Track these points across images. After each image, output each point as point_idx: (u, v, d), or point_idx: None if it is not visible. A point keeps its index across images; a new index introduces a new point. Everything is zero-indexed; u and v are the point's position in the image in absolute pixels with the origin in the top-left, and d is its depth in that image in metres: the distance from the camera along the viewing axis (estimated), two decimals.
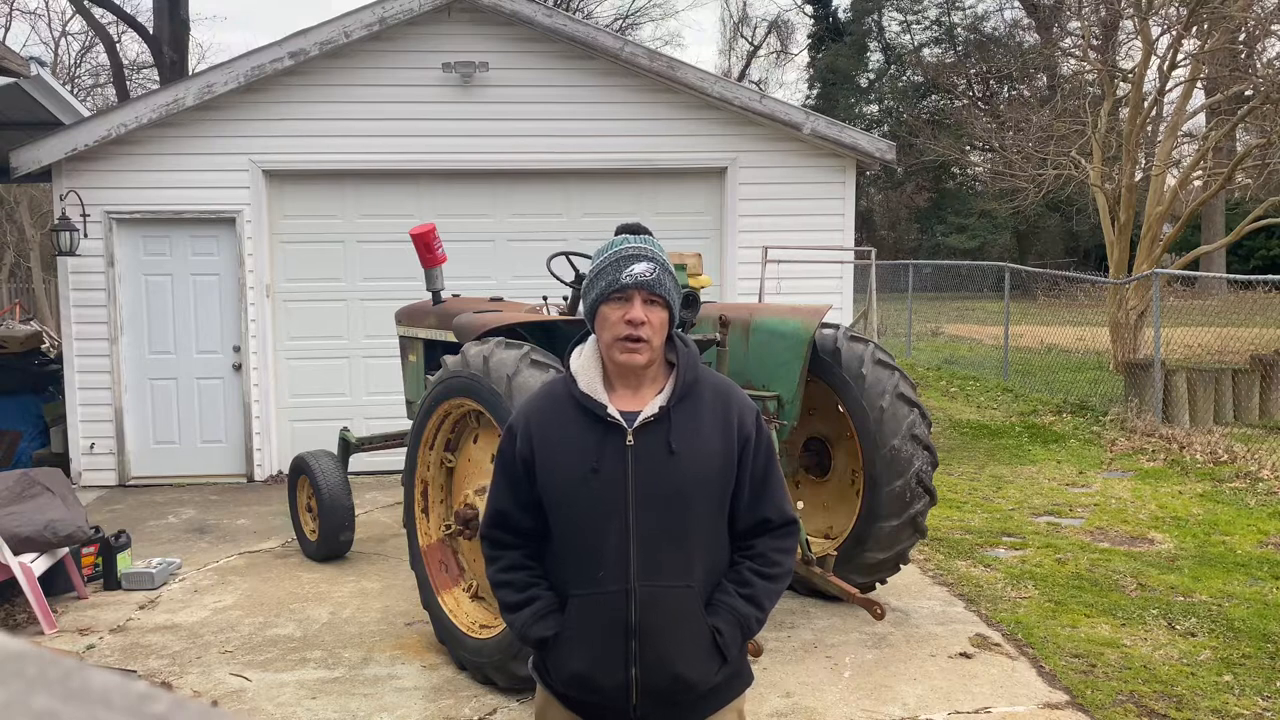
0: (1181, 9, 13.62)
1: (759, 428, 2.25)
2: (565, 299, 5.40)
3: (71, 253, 8.10)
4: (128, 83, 22.63)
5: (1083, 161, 15.66)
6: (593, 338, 2.26)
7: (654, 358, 2.20)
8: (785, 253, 8.51)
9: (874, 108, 40.26)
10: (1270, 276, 10.76)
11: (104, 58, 23.99)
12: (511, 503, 2.26)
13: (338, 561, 6.28)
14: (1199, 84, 15.88)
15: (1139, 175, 15.51)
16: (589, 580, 2.16)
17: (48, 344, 11.71)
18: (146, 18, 20.58)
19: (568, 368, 2.28)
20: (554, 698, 2.28)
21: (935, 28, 38.82)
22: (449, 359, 4.44)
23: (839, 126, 8.88)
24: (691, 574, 2.17)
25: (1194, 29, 13.87)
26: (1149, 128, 16.10)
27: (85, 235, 8.21)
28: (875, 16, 40.33)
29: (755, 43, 43.54)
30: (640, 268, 2.16)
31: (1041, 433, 10.49)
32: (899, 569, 5.29)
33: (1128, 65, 16.10)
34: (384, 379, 8.37)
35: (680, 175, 8.89)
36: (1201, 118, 18.20)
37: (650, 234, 2.35)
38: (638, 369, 2.19)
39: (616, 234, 2.34)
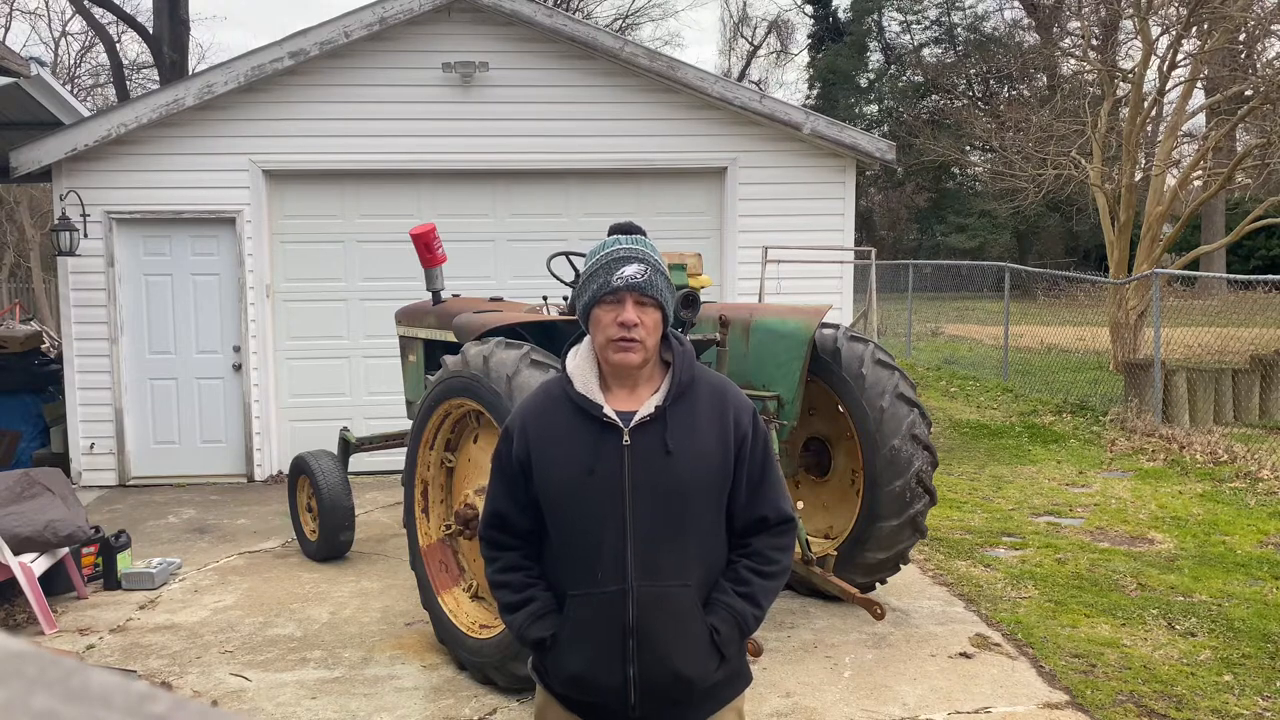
0: (1181, 9, 13.62)
1: (755, 426, 2.25)
2: (565, 299, 5.40)
3: (71, 253, 8.10)
4: (128, 83, 22.64)
5: (1083, 161, 15.65)
6: (588, 338, 2.26)
7: (648, 358, 2.20)
8: (785, 253, 8.51)
9: (874, 108, 40.26)
10: (1270, 276, 10.76)
11: (104, 58, 24.00)
12: (509, 503, 2.26)
13: (338, 561, 6.28)
14: (1199, 84, 15.88)
15: (1139, 175, 15.51)
16: (587, 580, 2.15)
17: (48, 344, 11.70)
18: (146, 18, 20.62)
19: (564, 368, 2.28)
20: (554, 698, 2.28)
21: (935, 28, 38.87)
22: (449, 359, 4.44)
23: (839, 126, 8.88)
24: (689, 573, 2.17)
25: (1194, 29, 13.88)
26: (1149, 128, 16.10)
27: (85, 235, 8.21)
28: (875, 16, 40.33)
29: (755, 43, 43.57)
30: (631, 270, 2.15)
31: (1041, 433, 10.48)
32: (899, 569, 5.30)
33: (1128, 65, 16.10)
34: (384, 379, 8.38)
35: (680, 175, 8.89)
36: (1201, 118, 18.21)
37: (643, 233, 2.34)
38: (632, 370, 2.19)
39: (609, 234, 2.33)
